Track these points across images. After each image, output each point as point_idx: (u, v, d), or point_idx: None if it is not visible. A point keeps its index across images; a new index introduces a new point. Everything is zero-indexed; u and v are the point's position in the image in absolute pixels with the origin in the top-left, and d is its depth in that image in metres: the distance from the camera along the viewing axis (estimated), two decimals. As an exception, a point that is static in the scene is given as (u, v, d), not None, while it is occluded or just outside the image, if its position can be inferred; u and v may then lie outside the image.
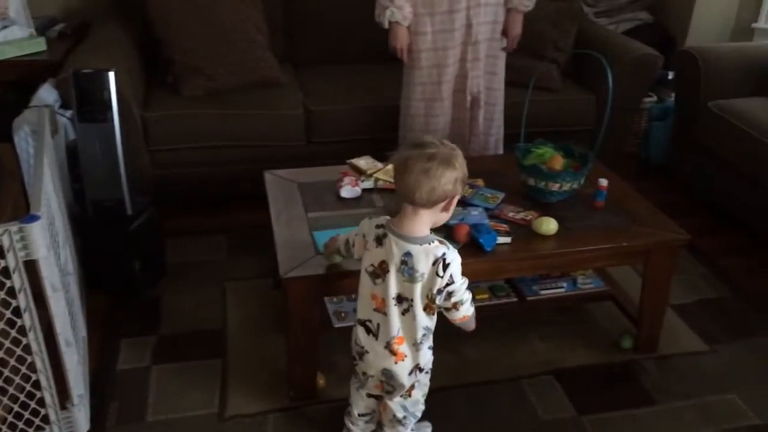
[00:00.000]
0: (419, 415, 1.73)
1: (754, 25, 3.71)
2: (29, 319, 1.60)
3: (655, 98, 3.67)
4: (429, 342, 1.64)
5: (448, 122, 2.73)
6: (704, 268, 2.69)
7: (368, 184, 2.24)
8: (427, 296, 1.54)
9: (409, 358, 1.60)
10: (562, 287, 2.28)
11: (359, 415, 1.77)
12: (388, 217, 1.58)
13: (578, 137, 2.88)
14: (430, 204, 1.48)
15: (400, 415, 1.69)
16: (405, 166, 1.45)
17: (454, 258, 1.52)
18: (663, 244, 2.04)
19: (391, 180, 2.24)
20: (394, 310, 1.55)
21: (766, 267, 2.72)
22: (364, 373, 1.67)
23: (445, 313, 1.60)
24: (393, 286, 1.53)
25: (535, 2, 2.65)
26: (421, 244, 1.50)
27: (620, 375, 2.14)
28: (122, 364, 2.11)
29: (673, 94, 3.48)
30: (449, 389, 2.04)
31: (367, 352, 1.62)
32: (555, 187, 2.10)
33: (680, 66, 3.19)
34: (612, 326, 2.31)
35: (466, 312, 1.60)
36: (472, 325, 1.66)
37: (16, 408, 1.73)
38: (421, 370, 1.64)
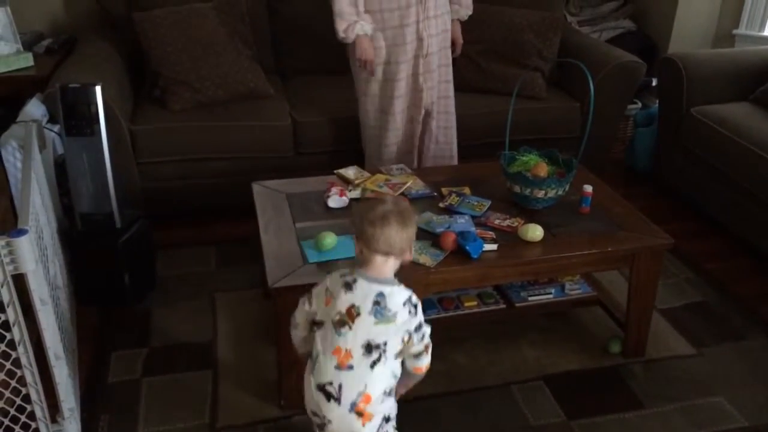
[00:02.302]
0: None
1: (735, 31, 3.77)
2: (18, 332, 1.61)
3: (639, 105, 3.72)
4: (393, 392, 1.60)
5: (400, 137, 2.75)
6: (690, 272, 2.71)
7: (356, 193, 2.25)
8: (404, 339, 1.53)
9: (377, 417, 1.54)
10: (550, 293, 2.30)
11: None
12: (352, 268, 1.57)
13: (564, 145, 2.91)
14: (400, 254, 1.55)
15: None
16: (384, 219, 1.50)
17: (418, 300, 1.56)
18: (648, 249, 2.07)
19: (378, 190, 2.26)
20: (361, 361, 1.50)
21: (752, 270, 2.75)
22: None
23: (411, 362, 1.59)
24: (362, 332, 1.49)
25: (472, 9, 2.78)
26: (391, 285, 1.53)
27: (609, 379, 2.16)
28: (113, 376, 2.11)
29: (657, 101, 3.53)
30: (439, 396, 2.05)
31: (330, 421, 1.53)
32: (540, 194, 2.13)
33: (663, 73, 3.24)
34: (600, 331, 2.33)
35: (429, 360, 1.61)
36: (422, 376, 1.66)
37: (6, 422, 1.73)
38: (388, 420, 1.58)
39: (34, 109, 2.49)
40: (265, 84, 3.09)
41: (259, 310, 2.41)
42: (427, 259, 1.91)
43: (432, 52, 2.64)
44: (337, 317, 1.51)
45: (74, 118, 2.15)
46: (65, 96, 2.14)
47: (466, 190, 2.31)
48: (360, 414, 1.51)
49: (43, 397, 1.72)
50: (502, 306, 2.26)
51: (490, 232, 2.04)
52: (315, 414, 1.57)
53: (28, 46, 3.12)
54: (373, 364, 1.50)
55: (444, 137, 2.84)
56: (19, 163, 2.18)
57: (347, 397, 1.50)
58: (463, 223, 2.08)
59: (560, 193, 2.16)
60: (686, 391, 2.11)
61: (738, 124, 2.85)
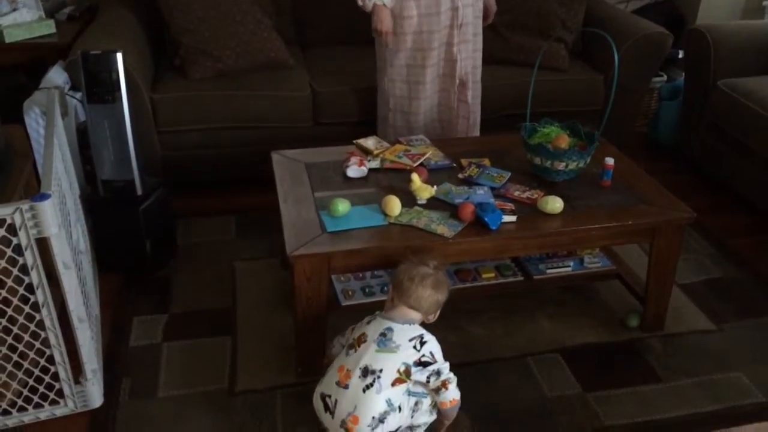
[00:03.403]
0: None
1: (765, 2, 3.67)
2: (42, 295, 1.64)
3: (665, 78, 3.65)
4: (404, 410, 1.64)
5: (429, 106, 2.73)
6: (712, 247, 2.68)
7: (375, 164, 2.25)
8: (399, 369, 1.60)
9: None
10: (568, 266, 2.29)
11: None
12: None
13: (587, 117, 2.87)
14: (426, 313, 1.72)
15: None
16: (422, 280, 1.68)
17: (432, 339, 1.67)
18: (669, 223, 2.04)
19: (398, 160, 2.26)
20: (356, 383, 1.60)
21: (775, 246, 2.71)
22: None
23: (435, 397, 1.66)
24: (364, 356, 1.62)
25: None
26: (403, 324, 1.67)
27: (626, 353, 2.15)
28: (134, 341, 2.15)
29: (683, 74, 3.46)
30: (455, 367, 2.03)
31: (327, 428, 1.67)
32: (561, 166, 2.11)
33: (690, 44, 3.17)
34: (618, 305, 2.32)
35: (454, 395, 1.66)
36: (455, 413, 1.71)
37: (31, 382, 1.78)
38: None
39: (56, 76, 2.51)
40: (285, 54, 3.07)
41: (277, 278, 2.43)
42: (445, 229, 1.90)
43: (467, 22, 2.61)
44: (351, 341, 1.69)
45: (95, 85, 2.16)
46: (86, 63, 2.15)
47: (486, 162, 2.29)
48: (348, 431, 1.61)
49: (66, 359, 1.76)
50: (520, 278, 2.25)
51: (510, 204, 2.02)
52: (318, 415, 1.70)
53: (50, 13, 3.14)
54: (366, 389, 1.59)
55: (474, 107, 2.81)
56: (42, 129, 2.20)
57: (339, 414, 1.62)
58: (482, 194, 2.06)
59: (581, 165, 2.13)
60: (704, 365, 2.10)
61: (766, 97, 2.78)
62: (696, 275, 2.52)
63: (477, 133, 2.84)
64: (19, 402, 1.80)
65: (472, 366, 2.07)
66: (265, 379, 2.01)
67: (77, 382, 1.83)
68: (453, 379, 1.66)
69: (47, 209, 1.56)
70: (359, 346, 1.64)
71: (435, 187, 2.06)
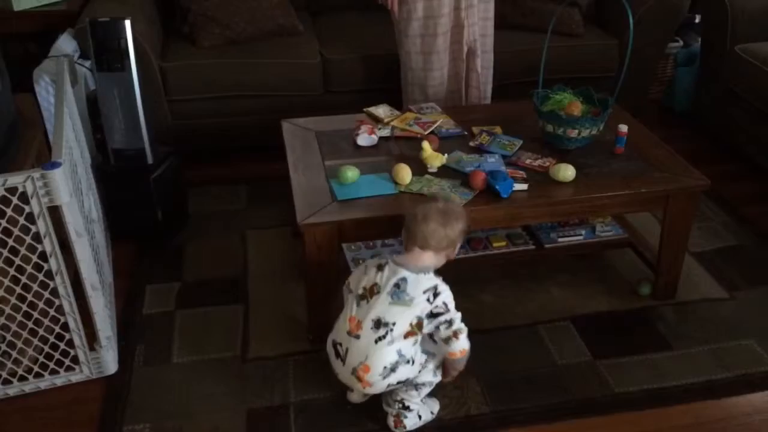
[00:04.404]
0: (435, 383, 1.76)
1: (787, -35, 3.56)
2: (55, 263, 1.66)
3: (681, 43, 3.57)
4: (408, 373, 1.65)
5: (444, 76, 2.70)
6: (726, 216, 2.66)
7: (385, 132, 2.23)
8: (412, 323, 1.59)
9: (377, 385, 1.63)
10: (580, 235, 2.27)
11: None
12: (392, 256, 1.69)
13: (602, 84, 2.83)
14: (439, 249, 1.65)
15: (420, 381, 1.72)
16: (424, 217, 1.62)
17: (445, 289, 1.64)
18: (682, 190, 2.02)
19: (408, 128, 2.24)
20: (368, 334, 1.60)
21: (790, 215, 2.68)
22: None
23: (446, 346, 1.65)
24: (376, 307, 1.60)
25: None
26: (417, 273, 1.62)
27: (637, 321, 2.15)
28: (147, 308, 2.17)
29: (699, 39, 3.39)
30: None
31: (338, 373, 1.69)
32: (573, 133, 2.08)
33: (707, 9, 3.10)
34: (630, 274, 2.31)
35: (464, 345, 1.65)
36: (463, 364, 1.71)
37: (46, 349, 1.81)
38: (413, 386, 1.70)
39: (66, 44, 2.50)
40: (295, 21, 3.04)
41: (289, 247, 2.44)
42: (456, 197, 1.89)
43: None
44: (361, 291, 1.64)
45: (104, 53, 2.15)
46: (95, 30, 2.13)
47: (498, 130, 2.27)
48: (359, 379, 1.63)
49: (80, 326, 1.79)
50: (532, 247, 2.24)
51: (521, 172, 2.01)
52: (329, 360, 1.72)
53: (58, -19, 3.11)
54: (378, 340, 1.59)
55: (485, 77, 2.78)
56: (52, 98, 2.20)
57: (350, 362, 1.63)
58: (493, 162, 2.05)
59: (594, 132, 2.10)
60: (716, 333, 2.09)
61: (785, 62, 2.73)
62: (709, 243, 2.50)
63: (487, 102, 2.81)
64: (36, 368, 1.83)
65: (483, 334, 2.07)
66: (277, 346, 2.02)
67: (92, 349, 1.85)
68: (464, 329, 1.65)
69: (58, 177, 1.57)
70: (371, 297, 1.61)
71: (446, 155, 2.04)
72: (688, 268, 2.29)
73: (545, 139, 2.17)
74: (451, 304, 1.64)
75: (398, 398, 1.73)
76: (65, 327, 1.78)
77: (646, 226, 2.43)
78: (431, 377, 1.72)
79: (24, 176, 1.55)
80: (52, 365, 1.83)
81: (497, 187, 1.89)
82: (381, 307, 1.60)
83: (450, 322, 1.63)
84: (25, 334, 1.77)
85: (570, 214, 2.15)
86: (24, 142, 1.97)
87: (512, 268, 2.32)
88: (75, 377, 1.87)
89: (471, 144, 2.18)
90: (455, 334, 1.63)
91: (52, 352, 1.81)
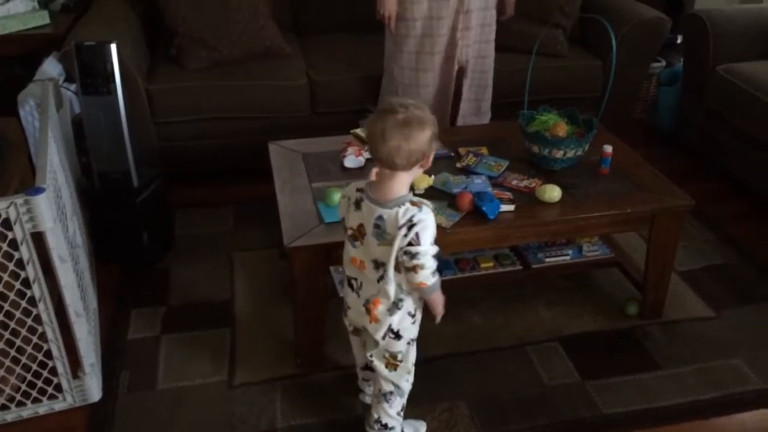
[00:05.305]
0: (405, 392, 1.71)
1: (765, -14, 3.64)
2: (38, 289, 1.64)
3: (663, 63, 3.62)
4: (408, 308, 1.61)
5: (432, 93, 2.72)
6: (711, 234, 2.68)
7: (372, 153, 2.23)
8: (398, 256, 1.53)
9: (383, 322, 1.60)
10: (567, 254, 2.28)
11: (362, 374, 1.82)
12: (368, 181, 1.59)
13: (586, 104, 2.85)
14: (409, 166, 1.50)
15: (386, 388, 1.69)
16: (383, 134, 1.47)
17: (423, 219, 1.50)
18: (667, 210, 2.04)
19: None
20: (372, 273, 1.57)
21: (774, 232, 2.71)
22: (349, 324, 1.72)
23: (405, 274, 1.55)
24: (370, 249, 1.55)
25: None
26: (392, 208, 1.50)
27: (625, 341, 2.15)
28: (132, 333, 2.15)
29: (681, 59, 3.44)
30: (454, 356, 2.06)
31: (350, 307, 1.67)
32: (559, 154, 2.09)
33: (688, 29, 3.14)
34: (617, 293, 2.32)
35: (425, 279, 1.54)
36: (430, 295, 1.60)
37: (29, 377, 1.78)
38: (398, 336, 1.63)
39: (51, 67, 2.48)
40: (282, 42, 3.05)
41: (276, 269, 2.42)
42: (443, 219, 1.89)
43: (472, 10, 2.60)
44: (350, 232, 1.60)
45: (90, 76, 2.14)
46: (80, 54, 2.13)
47: (484, 151, 2.28)
48: (369, 311, 1.61)
49: (64, 353, 1.76)
50: (519, 267, 2.25)
51: (508, 193, 2.01)
52: (344, 296, 1.70)
53: (44, 3, 3.10)
54: (380, 279, 1.57)
55: (476, 95, 2.81)
56: (37, 122, 2.19)
57: (363, 295, 1.61)
58: (480, 183, 2.05)
59: (579, 153, 2.12)
60: (703, 352, 2.10)
61: (764, 82, 2.76)
62: (695, 262, 2.51)
63: (486, 120, 2.84)
64: (18, 397, 1.80)
65: (471, 355, 2.07)
66: (265, 370, 2.00)
67: (75, 376, 1.82)
68: (427, 266, 1.51)
69: (42, 203, 1.55)
70: (362, 239, 1.56)
71: (433, 176, 2.05)
72: (675, 287, 2.30)
73: (531, 159, 2.18)
74: (425, 238, 1.50)
75: (375, 418, 1.72)
76: (48, 354, 1.75)
77: (632, 246, 2.44)
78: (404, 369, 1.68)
79: (7, 202, 1.54)
80: (35, 393, 1.80)
81: (484, 208, 1.90)
82: (372, 248, 1.54)
83: (413, 255, 1.49)
84: (7, 362, 1.74)
85: (557, 235, 2.16)
86: (8, 167, 1.96)
87: (500, 289, 2.32)
88: (58, 405, 1.84)
89: (458, 165, 2.18)
90: (414, 269, 1.51)
91: (35, 380, 1.79)
